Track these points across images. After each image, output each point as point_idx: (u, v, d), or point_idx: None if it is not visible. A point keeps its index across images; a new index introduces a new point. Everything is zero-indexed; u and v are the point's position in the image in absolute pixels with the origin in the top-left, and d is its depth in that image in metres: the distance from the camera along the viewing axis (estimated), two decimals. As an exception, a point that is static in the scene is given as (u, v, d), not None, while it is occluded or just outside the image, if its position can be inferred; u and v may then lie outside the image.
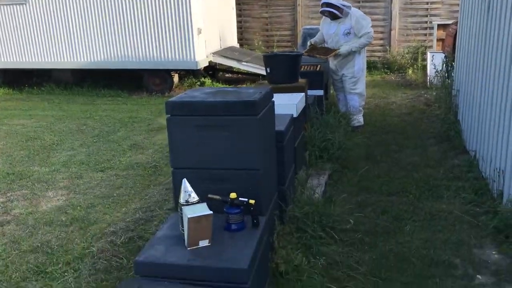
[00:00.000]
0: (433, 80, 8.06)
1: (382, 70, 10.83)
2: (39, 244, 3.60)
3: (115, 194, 4.59)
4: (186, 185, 2.25)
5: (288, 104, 3.81)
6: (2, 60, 9.96)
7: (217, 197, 2.37)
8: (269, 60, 4.79)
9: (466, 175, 4.50)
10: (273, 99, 2.95)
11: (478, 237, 3.37)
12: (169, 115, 2.60)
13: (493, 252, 3.17)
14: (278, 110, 3.56)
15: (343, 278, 2.91)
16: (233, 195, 2.37)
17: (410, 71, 9.91)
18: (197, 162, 2.62)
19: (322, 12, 6.17)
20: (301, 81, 4.89)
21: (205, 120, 2.54)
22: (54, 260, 3.36)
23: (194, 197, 2.25)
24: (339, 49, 6.06)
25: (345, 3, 6.12)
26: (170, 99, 2.62)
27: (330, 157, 4.80)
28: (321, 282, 2.68)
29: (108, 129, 6.99)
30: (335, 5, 5.97)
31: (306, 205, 3.40)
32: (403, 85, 9.35)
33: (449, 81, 6.65)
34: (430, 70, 8.50)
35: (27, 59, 9.84)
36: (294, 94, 4.28)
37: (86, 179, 5.03)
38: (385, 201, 4.10)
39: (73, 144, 6.29)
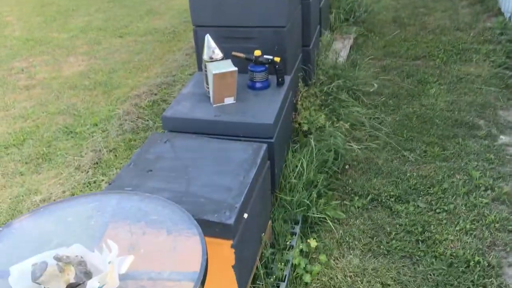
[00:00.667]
0: None
1: None
2: (65, 107, 3.68)
3: (135, 60, 4.56)
4: (209, 41, 2.18)
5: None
6: None
7: (242, 54, 2.31)
8: None
9: (498, 38, 4.30)
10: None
11: (505, 99, 3.31)
12: (189, -33, 2.44)
13: (519, 114, 3.14)
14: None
15: (365, 138, 2.94)
16: (257, 52, 2.31)
17: None
18: (220, 20, 2.52)
19: None
20: None
21: (228, -27, 2.38)
22: (82, 121, 3.45)
23: (218, 53, 2.19)
24: None
25: None
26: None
27: (355, 20, 4.60)
28: (343, 141, 2.72)
29: (123, -6, 6.72)
30: None
31: (330, 69, 3.33)
32: None
33: None
34: None
35: None
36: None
37: (105, 45, 4.97)
38: (410, 65, 3.99)
39: (89, 10, 6.12)
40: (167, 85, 3.94)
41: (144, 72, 4.28)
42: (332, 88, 3.19)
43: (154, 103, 3.67)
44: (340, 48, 4.03)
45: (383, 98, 3.44)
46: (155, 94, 3.80)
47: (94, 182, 2.70)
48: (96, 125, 3.39)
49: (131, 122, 3.41)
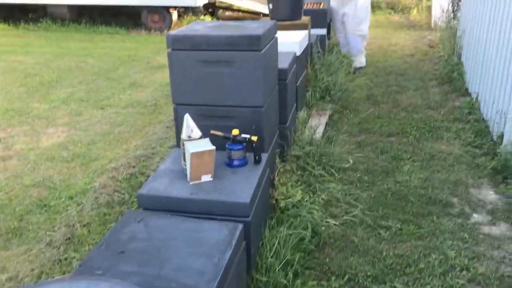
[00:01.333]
0: (438, 21, 7.88)
1: (386, 10, 10.57)
2: (41, 179, 3.64)
3: (115, 131, 4.59)
4: (188, 120, 2.24)
5: (290, 42, 3.73)
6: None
7: (220, 133, 2.37)
8: (272, -5, 4.64)
9: (467, 117, 4.50)
10: (276, 35, 2.88)
11: (476, 177, 3.41)
12: (170, 49, 2.54)
13: (490, 192, 3.22)
14: (280, 48, 3.49)
15: (342, 214, 2.96)
16: (235, 131, 2.36)
17: (414, 12, 9.68)
18: (200, 99, 2.60)
19: None
20: (304, 18, 4.76)
21: (208, 55, 2.49)
22: (57, 194, 3.40)
23: (197, 132, 2.24)
24: None
25: None
26: (172, 32, 2.56)
27: (331, 97, 4.77)
28: (321, 217, 2.73)
29: (107, 67, 6.89)
30: None
31: (307, 144, 3.42)
32: (407, 26, 9.16)
33: (454, 22, 6.49)
34: (435, 10, 8.28)
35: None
36: (297, 32, 4.18)
37: (86, 116, 5.01)
38: (384, 142, 4.12)
39: (72, 81, 6.22)
40: (146, 158, 3.95)
41: (123, 144, 4.30)
42: (308, 164, 3.25)
43: (131, 176, 3.66)
44: (316, 125, 4.14)
45: (359, 174, 3.51)
46: (133, 167, 3.80)
47: (65, 259, 2.62)
48: (71, 198, 3.35)
49: (107, 195, 3.37)
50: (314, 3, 6.27)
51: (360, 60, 6.39)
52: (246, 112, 2.55)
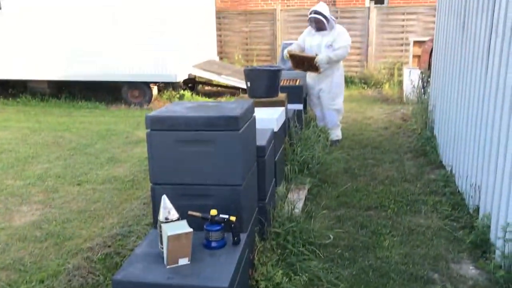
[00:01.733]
0: (409, 95, 8.21)
1: (360, 85, 10.99)
2: (11, 261, 3.49)
3: (92, 209, 4.50)
4: (166, 202, 2.22)
5: (268, 118, 3.81)
6: (-24, 70, 9.77)
7: (198, 214, 2.35)
8: (249, 74, 4.80)
9: (442, 189, 4.57)
10: (254, 114, 2.95)
11: (455, 251, 3.41)
12: (149, 130, 2.57)
13: (470, 267, 3.21)
14: (258, 125, 3.57)
15: (323, 294, 2.90)
16: (213, 212, 2.35)
17: (386, 86, 10.08)
18: (178, 178, 2.60)
19: (310, 20, 6.17)
20: (281, 95, 4.91)
21: (186, 135, 2.52)
22: (27, 278, 3.26)
23: (174, 214, 2.22)
24: (317, 55, 6.05)
25: (333, 17, 6.19)
26: (151, 114, 2.60)
27: (309, 171, 4.82)
28: (302, 299, 2.67)
29: (85, 142, 6.88)
30: (324, 15, 6.01)
31: (286, 220, 3.40)
32: (380, 100, 9.50)
33: (425, 97, 6.78)
34: (406, 85, 8.66)
35: (2, 70, 9.65)
36: (274, 108, 4.29)
37: (62, 193, 4.92)
38: (363, 216, 4.12)
39: (49, 157, 6.16)
40: (122, 237, 3.85)
41: (99, 222, 4.20)
42: (288, 242, 3.22)
43: (107, 256, 3.55)
44: (295, 199, 4.15)
45: (339, 251, 3.47)
46: (109, 246, 3.69)
47: None
48: (43, 282, 3.20)
49: (81, 277, 3.24)
50: (290, 80, 6.50)
51: (337, 134, 6.55)
52: (224, 190, 2.55)
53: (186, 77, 9.40)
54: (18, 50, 9.47)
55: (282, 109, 4.29)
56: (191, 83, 10.76)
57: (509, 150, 3.02)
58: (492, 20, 3.50)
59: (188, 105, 2.81)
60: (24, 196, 4.85)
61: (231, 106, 2.72)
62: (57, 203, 4.64)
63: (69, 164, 5.87)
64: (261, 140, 3.18)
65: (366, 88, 10.89)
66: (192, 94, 10.11)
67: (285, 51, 6.33)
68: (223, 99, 10.06)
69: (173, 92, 9.97)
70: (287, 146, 4.78)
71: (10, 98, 10.14)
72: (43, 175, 5.47)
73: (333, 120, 6.46)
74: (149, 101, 9.42)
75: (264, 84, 4.69)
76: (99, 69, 9.17)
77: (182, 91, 10.04)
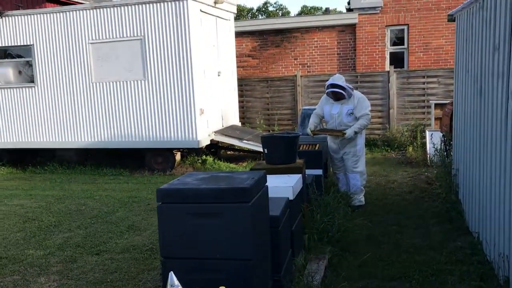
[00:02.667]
0: (433, 158, 8.08)
1: (383, 147, 10.91)
2: (24, 336, 3.43)
3: (108, 280, 4.45)
4: (173, 279, 2.17)
5: (284, 186, 3.78)
6: (8, 140, 10.14)
7: (206, 290, 2.28)
8: (266, 141, 4.84)
9: (470, 258, 4.36)
10: (266, 184, 2.93)
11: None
12: (160, 203, 2.57)
13: None
14: (274, 193, 3.55)
15: None
16: (222, 288, 2.28)
17: (410, 149, 9.96)
18: (188, 252, 2.56)
19: (328, 94, 6.26)
20: (299, 161, 4.90)
21: (196, 208, 2.51)
22: None
23: (181, 291, 2.16)
24: (345, 133, 6.11)
25: (349, 85, 6.26)
26: (161, 187, 2.61)
27: (329, 239, 4.69)
28: None
29: (107, 210, 6.93)
30: (341, 86, 6.09)
31: (304, 294, 3.27)
32: (404, 163, 9.37)
33: (448, 160, 6.65)
34: (429, 148, 8.55)
35: (32, 139, 10.02)
36: (291, 176, 4.27)
37: (80, 263, 4.90)
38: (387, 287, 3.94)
39: (71, 226, 6.21)
40: (136, 310, 3.77)
41: (115, 294, 4.13)
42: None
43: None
44: (314, 270, 4.01)
45: (361, 326, 3.29)
46: (122, 321, 3.60)
47: None
48: None
49: None
50: (309, 145, 6.51)
51: (360, 199, 6.44)
52: (234, 265, 2.49)
53: (208, 143, 9.53)
54: (48, 121, 9.86)
55: (299, 176, 4.26)
56: (214, 148, 10.89)
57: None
58: (508, 86, 3.48)
59: (201, 176, 2.82)
60: (43, 266, 4.84)
61: (242, 177, 2.72)
62: (75, 274, 4.61)
63: (90, 232, 5.88)
64: (275, 210, 3.14)
65: (389, 151, 10.80)
66: (214, 159, 10.19)
67: (308, 131, 6.37)
68: (244, 164, 10.11)
69: (195, 157, 10.09)
70: (306, 213, 4.70)
71: (38, 166, 10.43)
72: (63, 244, 5.48)
73: (357, 184, 6.37)
74: (172, 167, 9.54)
75: (281, 151, 4.69)
76: (123, 137, 9.42)
77: (204, 156, 10.15)
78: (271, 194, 3.63)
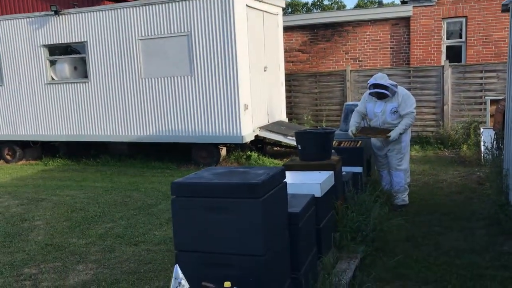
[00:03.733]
0: (487, 157, 7.64)
1: (436, 145, 10.46)
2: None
3: (142, 270, 4.55)
4: (177, 272, 2.17)
5: (311, 183, 3.69)
6: (64, 133, 10.63)
7: (211, 285, 2.26)
8: (299, 137, 4.75)
9: (515, 264, 4.08)
10: (284, 180, 2.87)
11: None
12: (175, 196, 2.58)
13: None
14: (301, 190, 3.48)
15: None
16: (227, 284, 2.25)
17: (464, 147, 9.49)
18: (201, 246, 2.55)
19: (372, 94, 6.06)
20: (334, 158, 4.76)
21: (208, 202, 2.49)
22: None
23: (185, 285, 2.15)
24: (389, 136, 5.88)
25: (392, 82, 6.00)
26: (176, 180, 2.62)
27: (363, 238, 4.54)
28: None
29: (150, 202, 7.10)
30: (384, 85, 5.85)
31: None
32: (456, 161, 8.93)
33: (500, 160, 6.26)
34: (483, 146, 8.09)
35: (86, 133, 10.46)
36: (322, 173, 4.16)
37: (117, 253, 5.05)
38: (420, 291, 3.77)
39: (114, 216, 6.41)
40: (163, 301, 3.82)
41: (146, 285, 4.22)
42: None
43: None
44: (344, 269, 3.89)
45: (386, 330, 3.16)
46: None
47: None
48: None
49: None
50: (350, 142, 6.34)
51: (403, 198, 6.20)
52: (245, 260, 2.46)
53: (252, 138, 9.53)
54: (100, 115, 10.24)
55: (330, 173, 4.15)
56: (261, 144, 10.89)
57: None
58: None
59: (218, 171, 2.80)
60: (83, 255, 5.03)
61: (258, 172, 2.67)
62: (111, 263, 4.76)
63: (131, 223, 6.05)
64: (296, 207, 3.07)
65: (442, 148, 10.34)
66: (259, 154, 10.19)
67: (350, 133, 6.16)
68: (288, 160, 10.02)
69: (240, 153, 10.13)
70: (340, 211, 4.57)
71: (91, 159, 10.88)
72: (105, 234, 5.67)
73: (401, 182, 6.14)
74: (217, 161, 9.63)
75: (314, 147, 4.59)
76: (170, 132, 9.62)
77: (249, 152, 10.17)
78: (298, 190, 3.57)
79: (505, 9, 5.80)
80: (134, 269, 4.60)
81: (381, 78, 5.95)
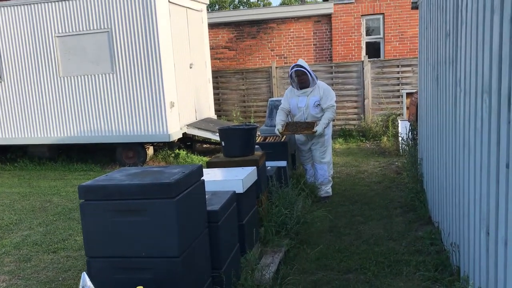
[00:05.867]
0: (404, 147, 8.04)
1: (358, 138, 10.87)
2: None
3: (60, 279, 4.33)
4: (85, 280, 2.07)
5: (233, 179, 3.68)
6: (-25, 137, 9.92)
7: (123, 290, 2.18)
8: (222, 133, 4.73)
9: (428, 248, 4.31)
10: (202, 178, 2.83)
11: (432, 320, 3.14)
12: (83, 200, 2.46)
13: (447, 337, 2.93)
14: (223, 187, 3.46)
15: None
16: (140, 288, 2.18)
17: (384, 139, 9.93)
18: (113, 251, 2.45)
19: (292, 77, 6.15)
20: (257, 153, 4.80)
21: (120, 205, 2.40)
22: None
23: (93, 292, 2.06)
24: (315, 131, 5.97)
25: (312, 71, 6.17)
26: (83, 183, 2.50)
27: (288, 232, 4.61)
28: None
29: (71, 206, 6.79)
30: (306, 68, 6.01)
31: (249, 289, 3.19)
32: (377, 153, 9.33)
33: (414, 149, 6.61)
34: (400, 138, 8.51)
35: (2, 135, 9.80)
36: (245, 168, 4.17)
37: (34, 262, 4.77)
38: (341, 280, 3.88)
39: (32, 223, 6.06)
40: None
41: (64, 294, 4.02)
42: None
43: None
44: (268, 264, 3.93)
45: (308, 321, 3.22)
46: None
47: None
48: None
49: None
50: (275, 137, 6.42)
51: (326, 190, 6.36)
52: (161, 263, 2.39)
53: (180, 136, 9.39)
54: (16, 116, 9.64)
55: (252, 168, 4.16)
56: (190, 141, 10.76)
57: (483, 207, 2.81)
58: (455, 73, 3.41)
59: (131, 172, 2.70)
60: (-5, 266, 4.70)
61: (173, 171, 2.61)
62: (26, 273, 4.48)
63: (50, 230, 5.75)
64: (215, 204, 3.04)
65: (364, 141, 10.76)
66: (187, 152, 10.07)
67: (277, 131, 6.18)
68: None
69: (168, 152, 9.95)
70: (264, 206, 4.61)
71: (8, 163, 10.22)
72: (21, 243, 5.34)
73: (325, 175, 6.30)
74: (144, 161, 9.39)
75: (237, 143, 4.59)
76: (93, 132, 9.25)
77: (177, 150, 10.02)
78: (220, 187, 3.54)
79: (415, 6, 6.10)
80: (51, 278, 4.37)
81: (303, 62, 6.11)
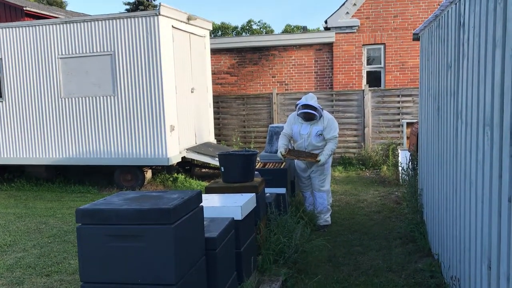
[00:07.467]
0: (404, 177, 8.01)
1: (358, 166, 10.85)
2: None
3: (52, 303, 4.24)
4: (78, 306, 2.02)
5: (232, 206, 3.64)
6: (-26, 155, 9.88)
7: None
8: (222, 158, 4.71)
9: (428, 281, 4.24)
10: (201, 204, 2.79)
11: None
12: (80, 224, 2.42)
13: None
14: (221, 213, 3.42)
15: None
16: (134, 316, 2.13)
17: (384, 168, 9.90)
18: (109, 276, 2.40)
19: (300, 114, 6.11)
20: (256, 179, 4.77)
21: (117, 230, 2.36)
22: None
23: (87, 320, 2.00)
24: (319, 160, 5.98)
25: (319, 105, 6.14)
26: (81, 207, 2.46)
27: (286, 261, 4.54)
28: None
29: (67, 228, 6.71)
30: (314, 107, 5.96)
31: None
32: (377, 182, 9.29)
33: (415, 180, 6.58)
34: (400, 167, 8.48)
35: (1, 155, 9.77)
36: (244, 195, 4.13)
37: (27, 286, 4.68)
38: (340, 312, 3.80)
39: (26, 245, 5.98)
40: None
41: (56, 319, 3.92)
42: None
43: None
44: (265, 293, 3.86)
45: None
46: None
47: None
48: None
49: None
50: (275, 163, 6.40)
51: (325, 218, 6.31)
52: (157, 290, 2.34)
53: (179, 160, 9.36)
54: (15, 136, 9.64)
55: (251, 195, 4.12)
56: (189, 166, 10.73)
57: (485, 241, 2.77)
58: (457, 104, 3.42)
59: (130, 196, 2.67)
60: (-14, 289, 4.61)
61: (171, 197, 2.58)
62: (18, 297, 4.39)
63: (44, 252, 5.66)
64: (213, 231, 3.00)
65: (364, 169, 10.73)
66: (186, 177, 10.02)
67: (279, 154, 6.16)
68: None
69: (167, 175, 9.90)
70: (263, 233, 4.56)
71: (5, 183, 10.15)
72: (14, 265, 5.26)
73: (324, 203, 6.26)
74: (142, 184, 9.34)
75: (236, 169, 4.57)
76: (92, 154, 9.23)
77: (176, 174, 9.97)
78: (218, 214, 3.50)
79: (416, 37, 6.17)
80: (44, 302, 4.28)
81: (311, 98, 6.08)
